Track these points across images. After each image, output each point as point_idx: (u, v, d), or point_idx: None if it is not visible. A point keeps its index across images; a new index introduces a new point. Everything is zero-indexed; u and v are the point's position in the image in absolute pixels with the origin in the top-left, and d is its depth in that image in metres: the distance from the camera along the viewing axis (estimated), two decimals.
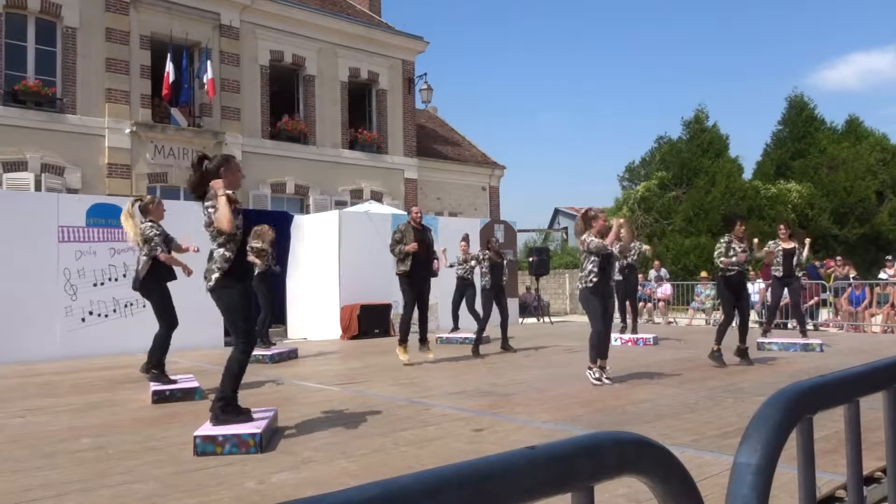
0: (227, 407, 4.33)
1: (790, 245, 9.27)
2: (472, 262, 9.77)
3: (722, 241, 7.65)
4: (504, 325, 9.58)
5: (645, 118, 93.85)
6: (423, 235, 8.20)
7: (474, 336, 9.16)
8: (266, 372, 7.68)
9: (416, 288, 8.07)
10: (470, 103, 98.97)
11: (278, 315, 12.54)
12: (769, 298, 10.81)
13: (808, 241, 10.13)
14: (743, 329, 7.69)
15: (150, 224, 6.36)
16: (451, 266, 10.11)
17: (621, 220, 6.63)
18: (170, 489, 3.37)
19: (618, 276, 9.45)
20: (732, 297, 7.54)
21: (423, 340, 8.41)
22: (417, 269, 8.04)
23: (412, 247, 7.93)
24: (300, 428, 4.70)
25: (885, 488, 3.34)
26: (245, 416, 4.33)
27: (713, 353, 7.49)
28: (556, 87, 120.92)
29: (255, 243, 7.59)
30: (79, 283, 9.53)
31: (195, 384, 6.07)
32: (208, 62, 15.85)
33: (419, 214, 8.42)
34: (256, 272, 8.74)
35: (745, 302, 7.88)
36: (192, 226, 9.96)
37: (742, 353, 7.69)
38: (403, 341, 8.10)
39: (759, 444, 1.15)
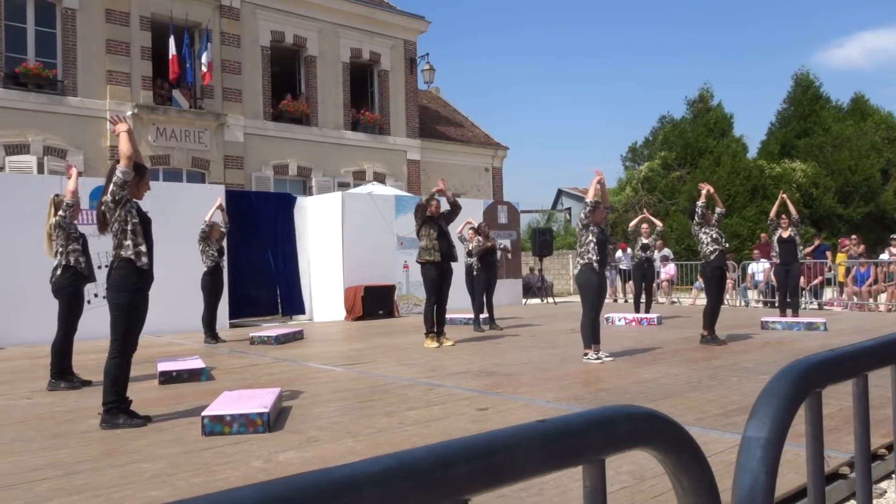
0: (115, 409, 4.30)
1: (788, 234, 10.10)
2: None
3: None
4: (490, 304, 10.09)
5: (648, 98, 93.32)
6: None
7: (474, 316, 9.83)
8: (272, 352, 7.73)
9: (441, 277, 8.02)
10: (472, 84, 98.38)
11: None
12: (773, 278, 10.94)
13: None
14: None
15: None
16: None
17: (600, 176, 6.54)
18: (177, 468, 3.40)
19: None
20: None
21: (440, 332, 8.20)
22: (443, 258, 7.98)
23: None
24: (306, 408, 4.73)
25: (891, 464, 3.37)
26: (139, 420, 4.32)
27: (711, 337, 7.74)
28: (559, 67, 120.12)
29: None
30: None
31: (201, 365, 6.11)
32: (207, 44, 15.73)
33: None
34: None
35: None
36: (194, 209, 9.99)
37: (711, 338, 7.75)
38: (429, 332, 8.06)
39: (768, 417, 1.15)
